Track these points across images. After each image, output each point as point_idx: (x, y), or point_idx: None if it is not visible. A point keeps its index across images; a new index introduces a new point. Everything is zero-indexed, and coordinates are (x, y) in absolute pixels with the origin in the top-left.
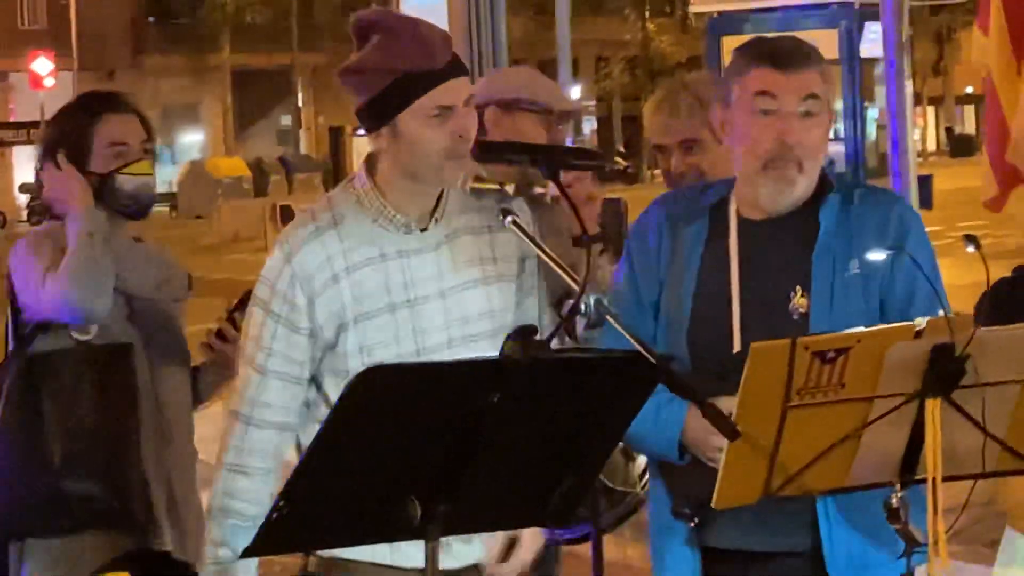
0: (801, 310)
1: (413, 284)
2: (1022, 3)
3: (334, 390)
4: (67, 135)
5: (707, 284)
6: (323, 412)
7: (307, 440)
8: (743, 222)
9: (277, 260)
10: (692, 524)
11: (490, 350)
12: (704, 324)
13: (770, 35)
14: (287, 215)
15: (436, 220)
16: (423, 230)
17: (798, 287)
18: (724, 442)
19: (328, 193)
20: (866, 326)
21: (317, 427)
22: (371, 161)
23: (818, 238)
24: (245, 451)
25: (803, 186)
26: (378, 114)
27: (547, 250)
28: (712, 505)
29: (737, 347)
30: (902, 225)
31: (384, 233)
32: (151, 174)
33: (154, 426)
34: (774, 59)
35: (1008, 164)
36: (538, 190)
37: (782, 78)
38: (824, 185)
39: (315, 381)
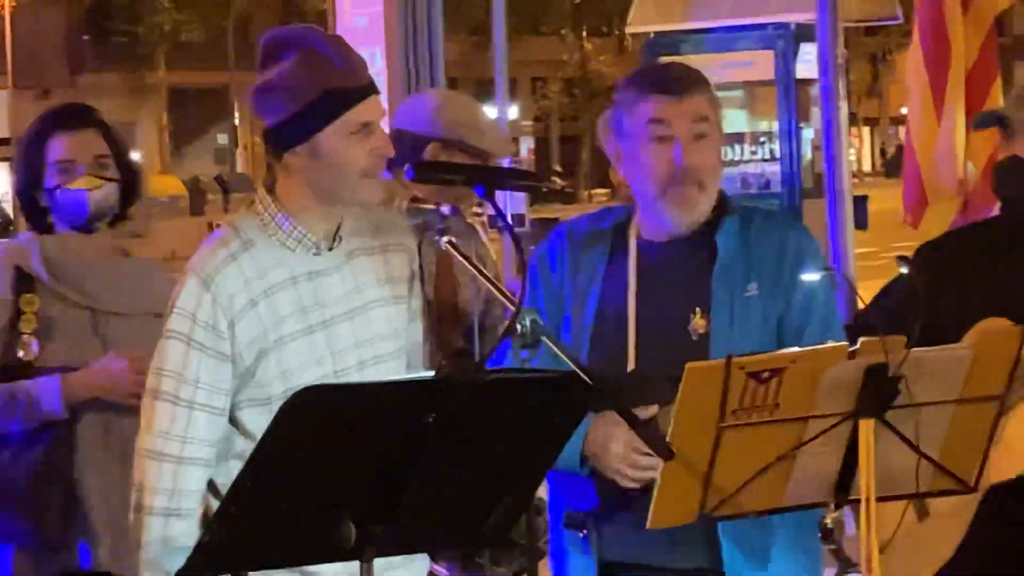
0: (700, 331)
1: (325, 305)
2: (939, 23)
3: (254, 421)
4: (24, 154)
5: (606, 305)
6: (240, 446)
7: (221, 479)
8: (642, 244)
9: (193, 289)
10: (582, 534)
11: (396, 371)
12: (603, 344)
13: (661, 61)
14: None
15: (339, 239)
16: (329, 250)
17: (697, 309)
18: (621, 450)
19: (231, 220)
20: (764, 347)
21: (233, 463)
22: (271, 184)
23: (716, 260)
24: (178, 493)
25: (705, 205)
26: (299, 131)
27: (483, 271)
28: (648, 526)
29: (631, 366)
30: (799, 249)
31: (292, 255)
32: (91, 188)
33: (102, 444)
34: (663, 87)
35: (916, 185)
36: (475, 210)
37: (673, 104)
38: (722, 207)
39: (230, 414)
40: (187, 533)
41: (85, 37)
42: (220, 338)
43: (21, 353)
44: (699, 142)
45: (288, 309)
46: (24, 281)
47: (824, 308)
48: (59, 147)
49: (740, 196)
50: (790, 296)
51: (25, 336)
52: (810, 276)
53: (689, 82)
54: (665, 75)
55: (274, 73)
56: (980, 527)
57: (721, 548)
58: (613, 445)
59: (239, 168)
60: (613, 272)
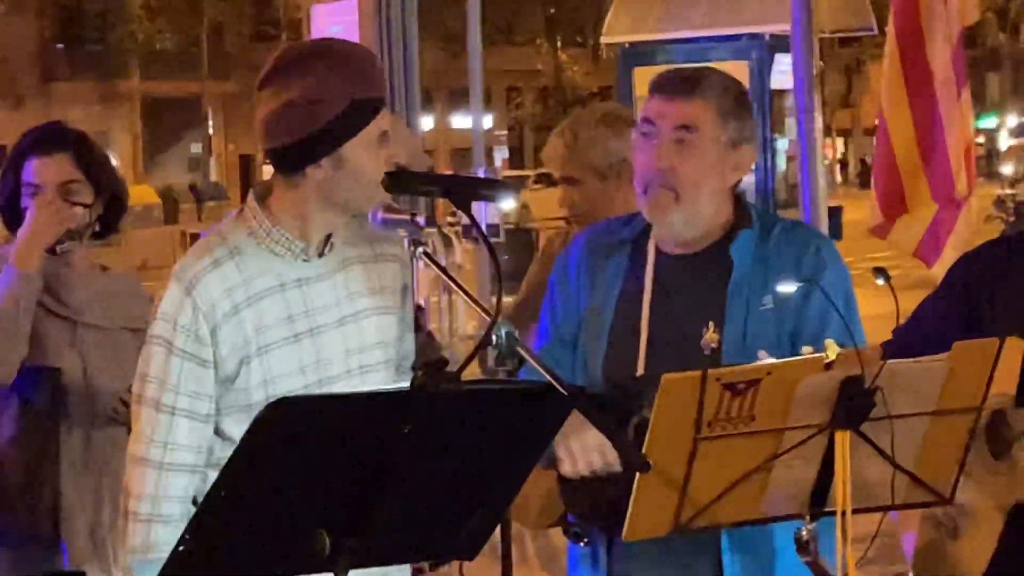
0: (713, 345)
1: (313, 313)
2: (916, 33)
3: (236, 428)
4: (4, 172)
5: (622, 316)
6: (221, 453)
7: (204, 486)
8: (660, 256)
9: (175, 295)
10: (582, 544)
11: (385, 381)
12: (618, 356)
13: (687, 65)
14: None
15: (331, 246)
16: (320, 256)
17: (711, 322)
18: (592, 440)
19: (218, 227)
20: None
21: (212, 472)
22: (261, 192)
23: (732, 274)
24: (161, 499)
25: (683, 216)
26: (327, 143)
27: (458, 281)
28: (623, 538)
29: (640, 372)
30: (818, 260)
31: (281, 262)
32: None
33: (81, 451)
34: (659, 86)
35: (893, 193)
36: (449, 221)
37: (660, 105)
38: (741, 219)
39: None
40: (170, 540)
41: (58, 46)
42: (202, 344)
43: None
44: (679, 147)
45: (274, 317)
46: None
47: (839, 318)
48: (30, 170)
49: None
50: (804, 306)
51: None
52: (785, 288)
53: (686, 86)
54: (668, 76)
55: (297, 89)
56: (1007, 547)
57: (724, 562)
58: (573, 440)
59: (212, 177)
60: (631, 282)
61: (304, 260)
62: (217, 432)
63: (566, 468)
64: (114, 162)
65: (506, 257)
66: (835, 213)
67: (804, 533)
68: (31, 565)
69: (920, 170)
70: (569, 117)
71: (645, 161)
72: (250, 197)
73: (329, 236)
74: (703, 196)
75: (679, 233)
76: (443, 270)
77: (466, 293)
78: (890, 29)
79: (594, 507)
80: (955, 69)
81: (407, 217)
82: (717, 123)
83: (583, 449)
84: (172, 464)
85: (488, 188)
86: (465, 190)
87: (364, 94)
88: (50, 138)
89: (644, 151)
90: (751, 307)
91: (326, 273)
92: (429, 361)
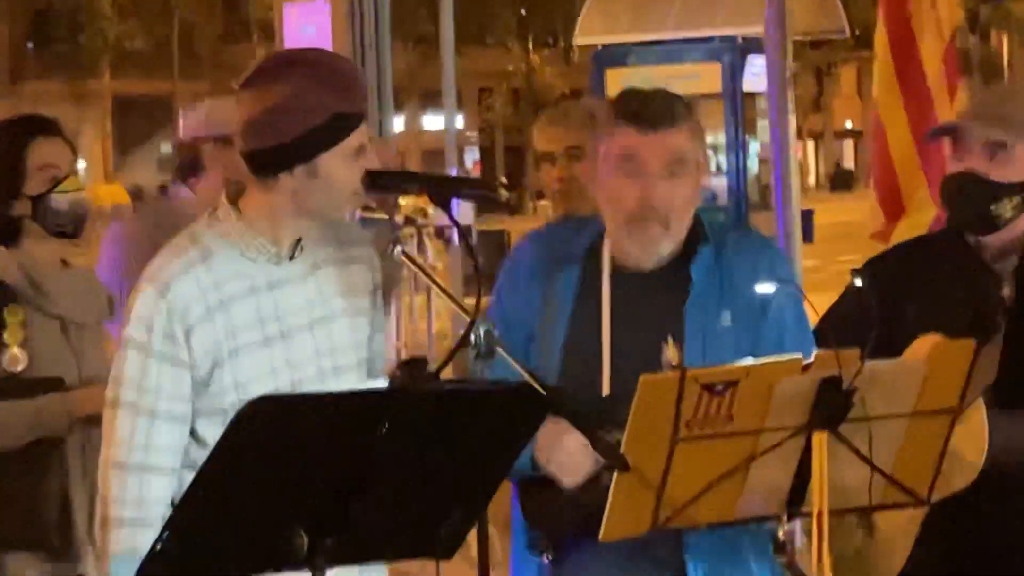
0: (673, 362)
1: (284, 315)
2: (907, 32)
3: (209, 430)
4: (3, 159)
5: (578, 334)
6: (195, 455)
7: (181, 488)
8: (617, 273)
9: (149, 298)
10: (547, 560)
11: (357, 383)
12: (576, 373)
13: (642, 88)
14: None
15: (302, 249)
16: (291, 259)
17: (670, 338)
18: (573, 445)
19: (190, 229)
20: None
21: (187, 473)
22: (234, 195)
23: (691, 291)
24: (145, 502)
25: (669, 243)
26: (302, 152)
27: (438, 281)
28: (600, 538)
29: (607, 392)
30: (771, 272)
31: (252, 266)
32: (82, 188)
33: (81, 453)
34: (638, 120)
35: (894, 196)
36: (420, 222)
37: (646, 141)
38: (697, 236)
39: None
40: None
41: (28, 45)
42: (177, 346)
43: (7, 365)
44: (670, 180)
45: (245, 320)
46: (4, 292)
47: (796, 325)
48: (45, 152)
49: None
50: (762, 319)
51: (15, 349)
52: (764, 287)
53: (668, 116)
54: (643, 106)
55: (279, 95)
56: (923, 545)
57: (686, 564)
58: (567, 437)
59: None
60: (586, 298)
61: (275, 263)
62: (192, 435)
63: (568, 482)
64: None
65: (480, 258)
66: (807, 216)
67: (781, 534)
68: (40, 569)
69: (919, 171)
70: (559, 105)
71: (631, 198)
72: (223, 199)
73: (299, 240)
74: (687, 219)
75: (661, 256)
76: (422, 269)
77: (445, 292)
78: (880, 31)
79: (553, 521)
80: (948, 68)
81: (385, 217)
82: (696, 147)
83: (571, 457)
84: (154, 467)
85: (466, 187)
86: (445, 188)
87: (344, 108)
88: (50, 123)
89: (628, 187)
90: (709, 324)
91: (297, 276)
92: (408, 360)
